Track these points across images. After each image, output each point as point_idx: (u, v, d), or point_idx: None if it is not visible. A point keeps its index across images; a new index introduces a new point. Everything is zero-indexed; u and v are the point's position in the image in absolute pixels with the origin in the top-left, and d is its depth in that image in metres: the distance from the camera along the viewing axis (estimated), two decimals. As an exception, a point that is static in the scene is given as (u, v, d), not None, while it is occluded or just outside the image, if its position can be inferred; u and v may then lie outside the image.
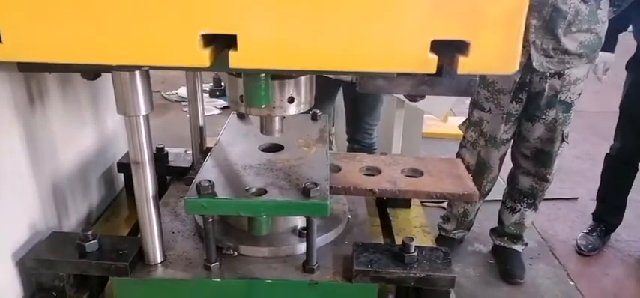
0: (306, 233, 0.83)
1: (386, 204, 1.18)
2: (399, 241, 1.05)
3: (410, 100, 0.98)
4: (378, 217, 1.15)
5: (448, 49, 0.57)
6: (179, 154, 1.26)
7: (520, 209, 2.37)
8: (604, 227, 2.68)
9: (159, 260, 0.86)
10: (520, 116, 2.17)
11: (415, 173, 0.99)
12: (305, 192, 0.79)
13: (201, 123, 1.17)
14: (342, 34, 0.55)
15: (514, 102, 2.11)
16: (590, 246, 2.62)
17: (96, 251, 0.84)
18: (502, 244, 2.49)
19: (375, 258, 0.83)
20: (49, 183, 0.95)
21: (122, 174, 1.21)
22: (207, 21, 0.53)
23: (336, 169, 1.00)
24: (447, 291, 0.82)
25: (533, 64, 1.95)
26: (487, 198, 2.51)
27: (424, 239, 1.07)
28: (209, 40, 0.55)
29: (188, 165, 1.19)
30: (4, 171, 0.82)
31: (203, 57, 0.55)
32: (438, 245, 2.64)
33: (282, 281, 0.83)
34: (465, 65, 0.56)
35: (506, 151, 2.30)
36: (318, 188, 0.79)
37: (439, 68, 0.57)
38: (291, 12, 0.53)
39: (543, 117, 2.10)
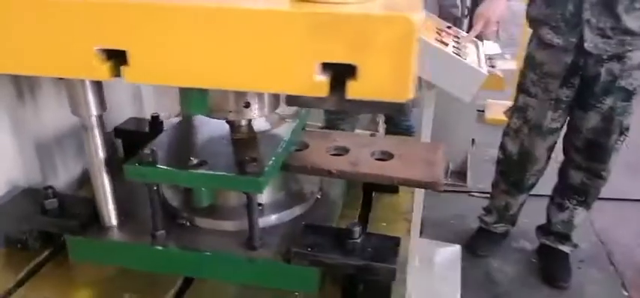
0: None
1: (372, 188, 1.12)
2: (373, 226, 1.00)
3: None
4: (360, 200, 1.09)
5: (340, 73, 0.53)
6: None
7: (569, 206, 2.15)
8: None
9: (113, 223, 0.88)
10: (572, 103, 1.95)
11: (385, 156, 0.92)
12: (240, 167, 0.76)
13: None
14: (228, 53, 0.54)
15: (565, 88, 1.90)
16: (655, 256, 2.34)
17: (55, 208, 0.87)
18: (548, 243, 2.29)
19: (318, 242, 0.79)
20: (32, 143, 1.00)
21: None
22: (100, 37, 0.56)
23: (303, 146, 0.95)
24: (388, 283, 0.76)
25: (586, 45, 1.73)
26: (541, 193, 2.32)
27: (399, 228, 0.99)
28: (109, 54, 0.57)
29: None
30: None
31: (101, 70, 0.58)
32: (477, 239, 2.49)
33: (221, 255, 0.82)
34: (355, 89, 0.53)
35: (556, 142, 2.09)
36: (254, 163, 0.76)
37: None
38: (176, 32, 0.54)
39: (598, 105, 1.87)
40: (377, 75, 0.51)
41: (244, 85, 0.56)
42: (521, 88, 2.04)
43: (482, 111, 4.06)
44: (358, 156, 0.91)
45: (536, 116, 1.99)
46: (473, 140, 3.48)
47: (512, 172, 2.18)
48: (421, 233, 2.55)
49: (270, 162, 0.79)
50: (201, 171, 0.77)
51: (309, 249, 0.78)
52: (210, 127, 0.93)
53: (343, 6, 0.52)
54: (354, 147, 0.95)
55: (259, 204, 0.91)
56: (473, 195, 3.02)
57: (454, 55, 1.62)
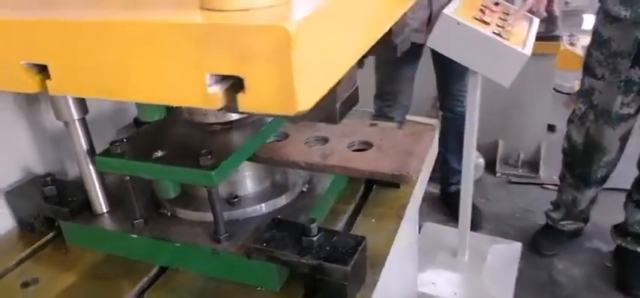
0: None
1: (374, 182, 1.06)
2: (361, 222, 0.95)
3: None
4: (359, 194, 1.04)
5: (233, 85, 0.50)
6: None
7: (649, 204, 1.88)
8: None
9: (104, 211, 0.93)
10: (648, 85, 1.69)
11: (364, 146, 0.86)
12: (195, 160, 0.76)
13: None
14: (128, 66, 0.53)
15: (637, 67, 1.65)
16: None
17: (54, 195, 0.94)
18: (624, 245, 2.03)
19: (277, 237, 0.76)
20: (47, 133, 1.08)
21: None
22: (24, 52, 0.59)
23: (283, 137, 0.93)
24: (342, 285, 0.71)
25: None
26: (621, 187, 2.06)
27: (389, 225, 0.93)
28: (37, 68, 0.59)
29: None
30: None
31: (30, 83, 0.60)
32: (542, 236, 2.29)
33: (188, 246, 0.82)
34: (245, 102, 0.50)
35: (630, 129, 1.83)
36: (209, 157, 0.75)
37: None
38: (81, 46, 0.55)
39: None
40: (262, 88, 0.47)
41: (145, 98, 0.55)
42: (587, 69, 1.81)
43: (568, 93, 3.69)
44: (335, 146, 0.87)
45: (603, 100, 1.75)
46: (551, 126, 3.18)
47: (578, 164, 1.95)
48: (478, 227, 2.39)
49: (228, 156, 0.78)
50: (159, 163, 0.78)
51: (266, 245, 0.75)
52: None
53: (228, 15, 0.48)
54: (335, 138, 0.90)
55: (235, 196, 0.91)
56: (546, 188, 2.77)
57: (491, 35, 1.48)
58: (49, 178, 0.94)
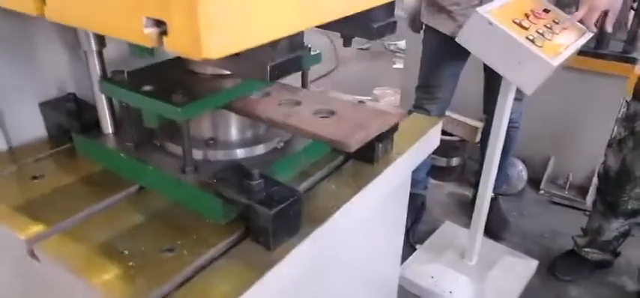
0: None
1: (351, 156, 1.12)
2: (322, 186, 1.03)
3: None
4: (335, 164, 1.11)
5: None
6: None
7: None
8: None
9: (109, 132, 1.09)
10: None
11: (327, 114, 0.93)
12: (168, 96, 0.88)
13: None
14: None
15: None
16: None
17: (72, 110, 1.12)
18: (648, 287, 1.90)
19: (227, 177, 0.87)
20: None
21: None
22: None
23: (264, 95, 1.02)
24: (265, 227, 0.80)
25: None
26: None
27: (344, 194, 0.99)
28: None
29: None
30: (38, 41, 1.16)
31: (30, 6, 0.73)
32: (563, 260, 2.18)
33: (160, 172, 0.95)
34: (168, 43, 0.60)
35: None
36: (181, 95, 0.87)
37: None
38: None
39: None
40: (179, 33, 0.57)
41: (108, 31, 0.67)
42: (637, 93, 1.70)
43: None
44: (301, 110, 0.95)
45: (644, 129, 1.65)
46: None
47: (609, 191, 1.85)
48: (500, 237, 2.34)
49: (198, 98, 0.89)
50: (141, 94, 0.91)
51: (215, 181, 0.86)
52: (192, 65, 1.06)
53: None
54: (307, 104, 0.98)
55: (212, 139, 1.02)
56: (588, 216, 2.62)
57: (518, 38, 1.45)
58: (70, 95, 1.12)
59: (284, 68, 0.72)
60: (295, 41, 0.72)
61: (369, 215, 1.20)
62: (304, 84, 1.19)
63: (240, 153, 1.00)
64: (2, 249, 1.00)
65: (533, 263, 2.12)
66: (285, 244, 0.84)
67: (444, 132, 2.85)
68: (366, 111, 0.94)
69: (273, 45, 0.68)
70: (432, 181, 2.88)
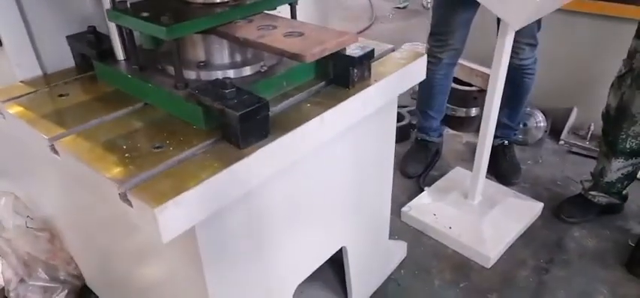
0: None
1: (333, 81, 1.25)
2: (297, 105, 1.17)
3: None
4: (314, 88, 1.24)
5: None
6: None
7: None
8: None
9: (121, 58, 1.27)
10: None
11: (296, 35, 1.06)
12: (158, 18, 1.03)
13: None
14: None
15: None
16: None
17: (93, 42, 1.30)
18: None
19: (207, 89, 1.02)
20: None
21: None
22: None
23: (248, 22, 1.16)
24: (235, 126, 0.94)
25: None
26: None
27: (313, 111, 1.11)
28: None
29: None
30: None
31: None
32: (569, 202, 2.19)
33: (157, 88, 1.12)
34: None
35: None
36: (167, 18, 1.02)
37: None
38: None
39: None
40: None
41: None
42: (637, 31, 1.69)
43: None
44: (275, 33, 1.08)
45: (641, 66, 1.65)
46: None
47: (609, 130, 1.86)
48: (510, 182, 2.38)
49: (183, 21, 1.04)
50: (136, 18, 1.07)
51: (197, 92, 1.02)
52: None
53: None
54: (283, 27, 1.11)
55: (202, 62, 1.18)
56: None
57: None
58: (91, 28, 1.31)
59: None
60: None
61: (349, 138, 1.32)
62: (293, 16, 1.32)
63: (227, 74, 1.15)
64: (32, 148, 1.21)
65: (538, 206, 2.17)
66: (254, 145, 0.99)
67: (462, 82, 2.91)
68: (329, 33, 1.06)
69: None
70: (450, 131, 2.94)
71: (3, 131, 1.28)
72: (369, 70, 1.26)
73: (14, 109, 1.17)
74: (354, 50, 1.19)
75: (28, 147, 1.22)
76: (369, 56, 1.22)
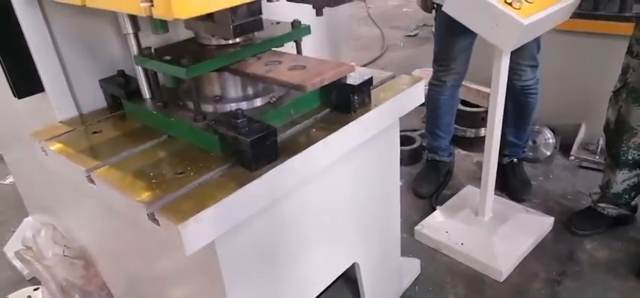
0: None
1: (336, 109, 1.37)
2: (302, 130, 1.29)
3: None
4: (320, 115, 1.36)
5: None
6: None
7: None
8: None
9: (147, 97, 1.42)
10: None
11: (300, 68, 1.19)
12: (178, 62, 1.18)
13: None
14: None
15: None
16: None
17: (122, 84, 1.46)
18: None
19: (222, 120, 1.15)
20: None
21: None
22: None
23: (257, 59, 1.30)
24: (246, 152, 1.07)
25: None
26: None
27: (316, 136, 1.23)
28: None
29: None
30: (96, 32, 1.51)
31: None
32: (579, 215, 2.25)
33: (178, 122, 1.26)
34: (154, 10, 0.87)
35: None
36: (186, 60, 1.17)
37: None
38: None
39: None
40: (158, 3, 0.86)
41: (116, 7, 0.97)
42: (629, 48, 1.77)
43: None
44: (281, 67, 1.22)
45: (636, 79, 1.72)
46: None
47: (610, 143, 1.92)
48: (521, 199, 2.44)
49: (199, 62, 1.18)
50: (159, 61, 1.22)
51: (213, 122, 1.15)
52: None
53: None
54: (287, 62, 1.24)
55: (218, 96, 1.32)
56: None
57: (492, 1, 1.60)
58: (120, 71, 1.47)
59: (245, 29, 0.99)
60: (253, 8, 0.98)
61: (354, 159, 1.43)
62: (298, 52, 1.46)
63: (240, 105, 1.29)
64: (71, 180, 1.36)
65: (548, 220, 2.22)
66: (264, 167, 1.11)
67: (470, 105, 3.00)
68: (328, 64, 1.19)
69: (234, 10, 0.95)
70: (461, 152, 3.01)
71: (45, 168, 1.43)
72: (369, 96, 1.38)
73: (55, 146, 1.32)
74: (354, 79, 1.31)
75: (67, 181, 1.36)
76: (368, 83, 1.34)
